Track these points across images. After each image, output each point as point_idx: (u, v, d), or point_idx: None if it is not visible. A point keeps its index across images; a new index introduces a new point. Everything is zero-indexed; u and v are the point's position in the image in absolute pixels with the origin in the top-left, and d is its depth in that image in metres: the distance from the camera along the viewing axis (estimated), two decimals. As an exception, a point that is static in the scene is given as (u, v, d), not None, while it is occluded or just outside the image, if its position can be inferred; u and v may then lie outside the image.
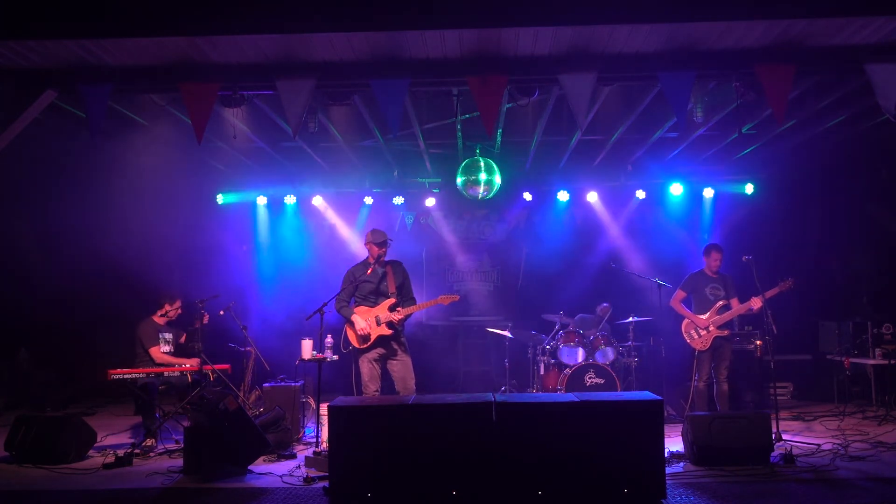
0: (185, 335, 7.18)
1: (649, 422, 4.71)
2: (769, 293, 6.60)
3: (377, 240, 6.33)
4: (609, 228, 9.96)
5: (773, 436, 5.75)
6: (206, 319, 6.74)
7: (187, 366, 6.71)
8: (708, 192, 9.72)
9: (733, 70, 5.35)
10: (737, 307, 6.88)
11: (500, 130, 7.98)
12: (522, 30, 4.83)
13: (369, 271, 6.28)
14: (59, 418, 6.12)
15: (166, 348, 6.91)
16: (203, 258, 9.43)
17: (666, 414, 6.82)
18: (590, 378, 7.57)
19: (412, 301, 6.38)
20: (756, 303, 6.67)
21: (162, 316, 6.97)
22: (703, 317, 6.93)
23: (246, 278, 9.74)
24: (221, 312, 6.93)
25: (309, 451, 5.90)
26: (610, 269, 8.90)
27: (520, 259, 10.31)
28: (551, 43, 5.06)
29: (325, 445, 5.66)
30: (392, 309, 6.20)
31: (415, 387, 6.15)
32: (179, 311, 7.05)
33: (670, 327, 7.52)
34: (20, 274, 8.82)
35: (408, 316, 6.27)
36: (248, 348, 7.05)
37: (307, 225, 10.11)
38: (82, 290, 8.80)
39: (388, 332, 6.17)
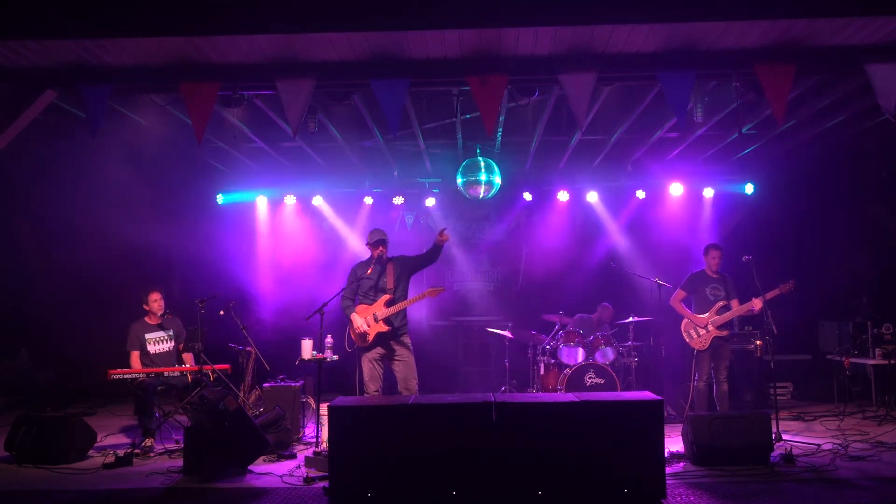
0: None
1: (649, 422, 4.71)
2: (769, 294, 6.60)
3: (371, 240, 6.40)
4: (609, 228, 9.96)
5: (773, 436, 5.75)
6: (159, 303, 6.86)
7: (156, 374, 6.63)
8: (708, 192, 9.72)
9: (733, 70, 5.35)
10: (737, 308, 6.88)
11: (500, 130, 7.98)
12: (522, 30, 4.83)
13: (369, 270, 6.29)
14: (59, 418, 6.11)
15: (159, 348, 6.87)
16: (203, 258, 9.43)
17: (666, 414, 6.82)
18: (590, 378, 7.56)
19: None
20: (757, 304, 6.66)
21: (149, 315, 6.93)
22: (703, 317, 6.93)
23: (246, 278, 9.75)
24: (221, 312, 6.90)
25: (309, 451, 5.90)
26: (610, 269, 8.91)
27: (520, 259, 10.31)
28: (551, 43, 5.06)
29: (325, 445, 5.66)
30: (388, 305, 6.22)
31: (417, 387, 6.15)
32: (161, 301, 6.93)
33: (670, 327, 7.52)
34: (20, 274, 8.83)
35: (426, 299, 6.33)
36: (249, 348, 7.04)
37: (307, 225, 10.11)
38: (82, 290, 8.80)
39: (386, 328, 6.18)
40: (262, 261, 10.04)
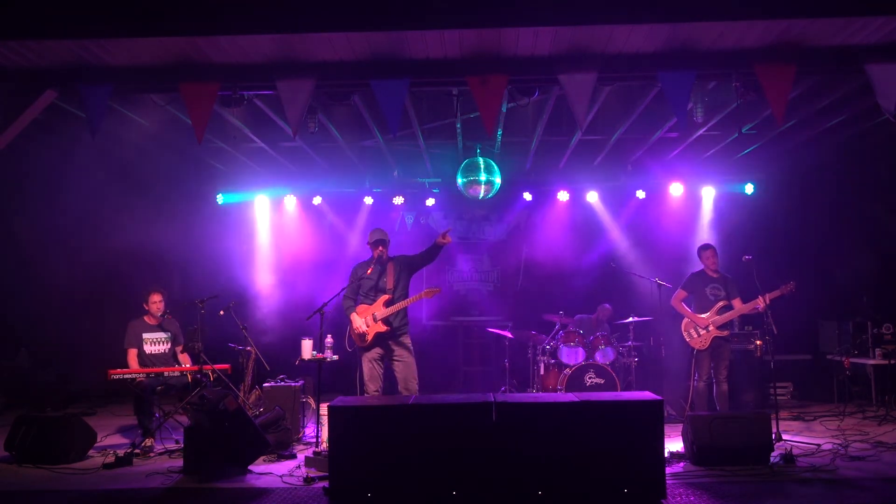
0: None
1: (649, 422, 4.71)
2: (770, 295, 6.59)
3: (371, 240, 6.43)
4: (609, 228, 9.97)
5: (773, 436, 5.75)
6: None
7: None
8: (708, 192, 9.72)
9: (733, 70, 5.35)
10: (740, 307, 6.88)
11: (500, 130, 7.98)
12: (522, 30, 4.83)
13: (370, 270, 6.30)
14: (59, 418, 6.11)
15: (155, 349, 6.86)
16: (203, 258, 9.43)
17: (666, 414, 6.81)
18: (590, 378, 7.57)
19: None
20: (761, 302, 6.64)
21: (149, 315, 6.92)
22: (704, 317, 6.93)
23: (246, 278, 9.75)
24: (221, 312, 6.90)
25: (309, 451, 5.90)
26: (610, 269, 8.91)
27: (520, 259, 10.31)
28: (551, 43, 5.05)
29: (325, 445, 5.66)
30: (387, 305, 6.23)
31: (417, 387, 6.15)
32: (162, 303, 6.90)
33: (670, 327, 7.52)
34: (21, 273, 8.83)
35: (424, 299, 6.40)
36: (249, 348, 7.04)
37: (307, 225, 10.11)
38: (82, 290, 8.80)
39: (384, 328, 6.18)
40: (262, 261, 10.04)
